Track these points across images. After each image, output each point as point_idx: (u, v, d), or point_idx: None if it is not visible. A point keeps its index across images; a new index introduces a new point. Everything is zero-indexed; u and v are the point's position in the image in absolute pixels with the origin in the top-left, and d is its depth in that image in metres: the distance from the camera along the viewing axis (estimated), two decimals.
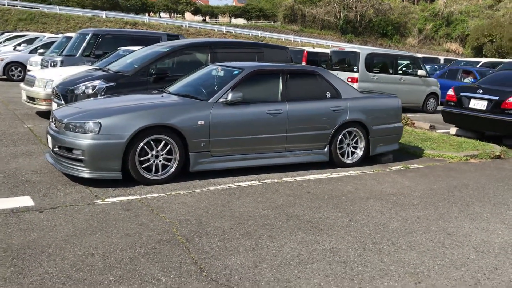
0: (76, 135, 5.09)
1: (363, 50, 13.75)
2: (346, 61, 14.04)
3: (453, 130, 10.37)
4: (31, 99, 9.13)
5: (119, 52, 10.20)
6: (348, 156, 6.82)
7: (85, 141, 5.04)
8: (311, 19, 69.19)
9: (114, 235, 3.91)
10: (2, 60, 17.00)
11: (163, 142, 5.36)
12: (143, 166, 5.29)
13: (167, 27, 48.64)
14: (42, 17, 42.08)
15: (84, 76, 7.79)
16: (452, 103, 9.98)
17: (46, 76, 8.98)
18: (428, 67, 22.99)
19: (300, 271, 3.49)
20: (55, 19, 42.13)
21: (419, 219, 4.79)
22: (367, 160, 7.05)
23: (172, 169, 5.46)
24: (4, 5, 42.78)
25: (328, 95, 6.62)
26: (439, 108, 13.06)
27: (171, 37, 12.84)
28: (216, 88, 6.04)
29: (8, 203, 4.51)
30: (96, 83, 7.39)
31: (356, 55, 13.57)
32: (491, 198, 5.68)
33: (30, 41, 20.33)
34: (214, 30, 53.52)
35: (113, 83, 7.42)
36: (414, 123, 10.97)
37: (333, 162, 6.68)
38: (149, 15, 63.68)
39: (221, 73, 6.38)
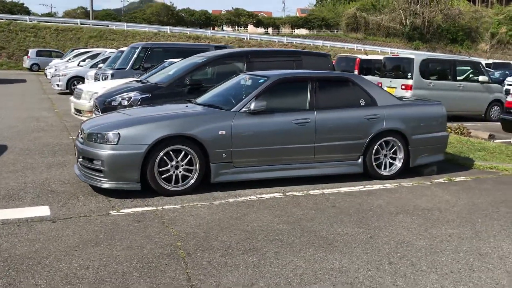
0: (97, 145, 5.13)
1: (417, 55, 13.10)
2: (400, 68, 13.45)
3: None
4: (78, 111, 9.46)
5: (165, 65, 10.34)
6: (385, 168, 6.40)
7: (104, 151, 5.06)
8: (375, 26, 67.69)
9: (116, 247, 3.83)
10: (65, 75, 17.93)
11: (183, 152, 5.27)
12: (163, 176, 5.22)
13: (228, 39, 49.46)
14: (110, 34, 44.23)
15: (122, 88, 7.94)
16: (511, 110, 9.20)
17: (92, 89, 9.28)
18: (498, 72, 21.61)
19: None
20: (122, 35, 44.12)
21: (451, 237, 4.35)
22: (407, 172, 6.59)
23: (192, 180, 5.35)
24: (77, 24, 45.47)
25: (362, 102, 6.27)
26: None
27: (218, 48, 12.89)
28: (242, 98, 5.90)
29: (25, 213, 4.59)
30: (132, 94, 7.50)
31: (410, 61, 12.96)
32: None
33: (94, 57, 21.35)
34: (275, 41, 53.78)
35: (148, 95, 7.49)
36: (470, 132, 10.23)
37: (368, 174, 6.30)
38: (213, 29, 65.29)
39: (249, 82, 6.23)
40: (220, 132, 5.40)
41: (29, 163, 6.65)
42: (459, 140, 9.36)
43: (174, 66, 8.57)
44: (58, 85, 17.90)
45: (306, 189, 5.74)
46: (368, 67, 15.21)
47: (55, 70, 21.01)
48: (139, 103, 7.39)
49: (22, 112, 12.26)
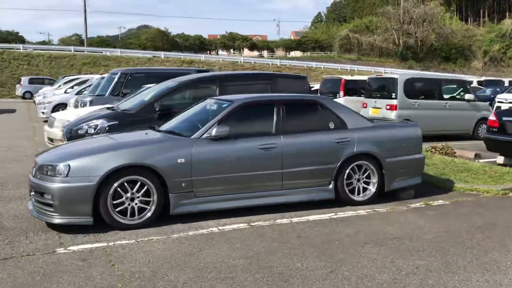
0: (47, 178, 4.86)
1: (401, 75, 12.95)
2: (384, 88, 13.28)
3: (500, 159, 9.25)
4: (51, 140, 9.21)
5: (142, 90, 10.15)
6: (359, 193, 6.12)
7: (54, 184, 4.79)
8: (368, 47, 68.15)
9: None
10: (50, 102, 17.76)
11: (139, 183, 5.00)
12: (117, 209, 4.94)
13: (222, 63, 49.66)
14: (104, 60, 44.36)
15: (90, 116, 7.71)
16: (494, 129, 8.96)
17: (64, 117, 9.06)
18: (489, 90, 21.48)
19: None
20: (116, 61, 44.22)
21: (418, 269, 4.04)
22: (383, 196, 6.31)
23: (150, 213, 5.06)
24: (71, 51, 45.64)
25: (332, 125, 6.03)
26: None
27: (200, 72, 12.73)
28: (205, 123, 5.65)
29: None
30: (99, 122, 7.26)
31: (394, 81, 12.78)
32: None
33: (82, 83, 21.19)
34: (269, 64, 53.95)
35: (115, 122, 7.25)
36: (455, 152, 9.97)
37: (341, 200, 6.02)
38: (209, 53, 65.64)
39: (214, 107, 6.00)
40: (179, 160, 5.14)
41: None
42: (443, 161, 9.10)
43: (147, 92, 8.36)
44: (43, 112, 17.70)
45: (273, 218, 5.45)
46: (353, 87, 15.04)
47: (43, 97, 20.88)
48: (106, 130, 7.14)
49: (1, 141, 12.01)
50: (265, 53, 72.29)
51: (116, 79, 11.80)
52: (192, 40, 64.42)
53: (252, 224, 5.25)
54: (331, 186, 5.94)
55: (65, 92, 19.68)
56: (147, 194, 5.07)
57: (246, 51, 73.61)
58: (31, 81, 35.48)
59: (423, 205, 6.18)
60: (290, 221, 5.40)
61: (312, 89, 17.97)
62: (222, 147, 5.37)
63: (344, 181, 5.99)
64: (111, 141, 5.46)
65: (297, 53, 71.48)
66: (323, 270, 4.01)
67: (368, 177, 6.16)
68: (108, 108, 8.22)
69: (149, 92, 8.10)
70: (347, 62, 61.10)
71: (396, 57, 67.16)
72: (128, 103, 8.06)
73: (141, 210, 5.06)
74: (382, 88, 13.39)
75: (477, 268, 4.09)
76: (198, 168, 5.22)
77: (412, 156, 6.44)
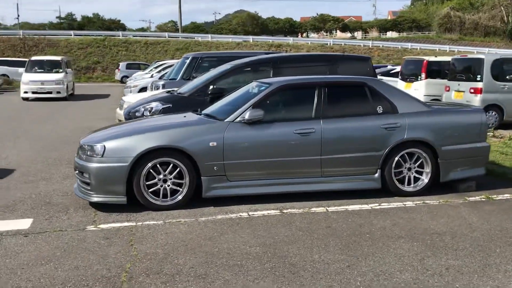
0: (86, 158, 5.07)
1: (488, 55, 11.81)
2: (469, 70, 12.20)
3: None
4: (120, 121, 9.65)
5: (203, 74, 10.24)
6: (410, 183, 5.67)
7: (91, 164, 4.98)
8: (471, 26, 63.32)
9: (63, 267, 3.67)
10: (136, 86, 18.64)
11: (171, 165, 5.04)
12: (150, 190, 5.02)
13: (311, 46, 48.96)
14: (196, 45, 45.70)
15: (148, 99, 7.93)
16: None
17: (130, 100, 9.42)
18: None
19: None
20: (207, 47, 45.36)
21: (447, 270, 3.64)
22: (441, 188, 5.80)
23: (182, 195, 5.09)
24: (165, 37, 47.68)
25: (380, 110, 5.61)
26: None
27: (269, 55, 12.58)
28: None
29: (7, 225, 4.61)
30: (153, 105, 7.45)
31: (480, 61, 11.69)
32: None
33: (169, 68, 22.00)
34: (360, 45, 52.21)
35: (169, 105, 7.39)
36: None
37: (389, 190, 5.62)
38: (301, 36, 65.14)
39: (255, 90, 5.85)
40: (210, 144, 5.09)
41: (51, 172, 6.82)
42: None
43: (206, 75, 8.42)
44: None
45: (309, 206, 5.23)
46: (437, 69, 13.97)
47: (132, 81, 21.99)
48: (160, 113, 7.31)
49: (84, 122, 12.84)
50: (359, 34, 70.08)
51: (187, 63, 12.04)
52: (282, 23, 64.18)
53: (285, 211, 5.07)
54: (377, 175, 5.56)
55: (151, 76, 20.57)
56: (180, 176, 5.10)
57: (339, 33, 71.90)
58: (128, 66, 37.59)
59: (484, 199, 5.58)
60: (326, 210, 5.14)
61: (394, 71, 17.12)
62: (256, 131, 5.23)
63: (393, 170, 5.57)
64: (149, 123, 5.56)
65: (394, 34, 68.41)
66: (340, 264, 3.76)
67: (421, 166, 5.68)
68: (167, 92, 8.41)
69: (206, 75, 8.14)
70: (446, 43, 57.24)
71: (504, 36, 61.60)
72: (186, 87, 8.17)
73: (174, 192, 5.11)
74: (467, 70, 12.31)
75: None
76: (231, 152, 5.14)
77: (473, 145, 5.82)
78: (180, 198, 5.08)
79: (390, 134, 5.51)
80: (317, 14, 67.92)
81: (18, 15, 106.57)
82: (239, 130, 5.20)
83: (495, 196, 5.68)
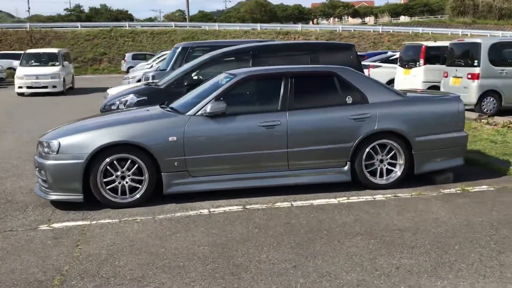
0: (43, 155, 4.96)
1: (486, 39, 11.44)
2: (466, 55, 11.83)
3: None
4: None
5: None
6: (382, 175, 5.46)
7: (47, 161, 4.87)
8: (485, 8, 61.95)
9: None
10: (134, 77, 18.53)
11: (129, 161, 4.90)
12: (108, 187, 4.90)
13: (319, 33, 48.35)
14: (202, 34, 45.44)
15: (124, 91, 7.79)
16: None
17: (113, 92, 9.30)
18: None
19: None
20: (213, 35, 45.08)
21: (397, 270, 3.46)
22: (418, 180, 5.59)
23: (141, 192, 4.96)
24: (172, 27, 47.51)
25: (349, 100, 5.40)
26: None
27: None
28: None
29: None
30: (129, 98, 7.31)
31: (477, 46, 11.32)
32: None
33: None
34: (370, 31, 51.39)
35: (144, 97, 7.24)
36: None
37: (360, 183, 5.43)
38: (312, 23, 64.40)
39: (223, 81, 5.67)
40: (170, 139, 4.93)
41: (24, 169, 6.74)
42: None
43: (185, 66, 8.26)
44: None
45: (275, 201, 5.06)
46: (436, 55, 13.58)
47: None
48: (135, 106, 7.17)
49: (76, 116, 12.75)
50: (371, 19, 68.98)
51: (177, 53, 11.86)
52: (291, 10, 63.47)
53: (248, 207, 4.91)
54: (346, 167, 5.36)
55: (151, 67, 20.46)
56: (140, 173, 4.96)
57: (350, 19, 70.91)
58: (134, 57, 37.51)
59: (459, 191, 5.35)
60: (291, 204, 4.97)
61: (393, 57, 16.72)
62: (219, 124, 5.06)
63: (363, 162, 5.37)
64: (110, 118, 5.43)
65: (406, 19, 67.22)
66: (286, 264, 3.60)
67: (394, 158, 5.46)
68: (145, 84, 8.27)
69: (184, 66, 7.98)
70: (459, 26, 56.01)
71: None
72: (165, 79, 8.01)
73: (134, 189, 4.98)
74: (465, 55, 11.94)
75: (474, 273, 3.39)
76: (192, 146, 4.98)
77: (450, 135, 5.58)
78: (139, 195, 4.95)
79: (359, 125, 5.30)
80: (327, 0, 66.96)
81: (29, 8, 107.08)
82: (200, 124, 5.04)
83: (471, 188, 5.45)
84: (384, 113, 5.36)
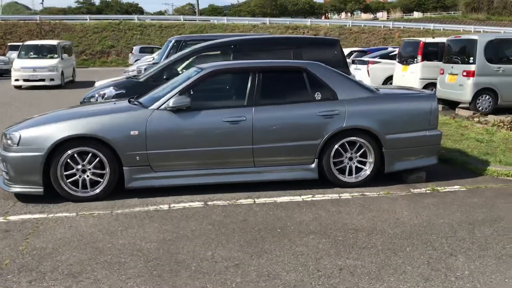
0: (6, 147, 4.94)
1: (482, 36, 11.18)
2: (462, 52, 11.59)
3: None
4: None
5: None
6: (351, 173, 5.36)
7: (9, 153, 4.84)
8: (500, 5, 60.94)
9: None
10: (133, 70, 18.53)
11: (90, 154, 4.86)
12: (69, 180, 4.87)
13: (329, 27, 48.01)
14: (211, 28, 45.35)
15: (105, 84, 7.76)
16: None
17: (99, 85, 9.27)
18: None
19: None
20: (221, 29, 44.96)
21: (340, 271, 3.37)
22: (392, 178, 5.49)
23: (102, 186, 4.92)
24: (180, 20, 47.52)
25: (318, 96, 5.29)
26: None
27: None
28: None
29: None
30: (107, 90, 7.27)
31: (473, 43, 11.07)
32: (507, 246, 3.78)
33: None
34: (380, 26, 50.89)
35: (122, 90, 7.19)
36: None
37: (329, 181, 5.33)
38: (325, 17, 63.90)
39: (191, 75, 5.59)
40: (132, 133, 4.88)
41: None
42: (506, 138, 7.72)
43: (165, 60, 8.20)
44: None
45: (238, 198, 4.99)
46: (435, 51, 13.35)
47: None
48: (113, 98, 7.12)
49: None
50: (384, 15, 68.19)
51: (169, 47, 11.80)
52: (302, 4, 63.03)
53: (209, 203, 4.85)
54: (314, 165, 5.26)
55: (152, 59, 20.44)
56: (103, 167, 4.92)
57: (362, 15, 70.22)
58: (141, 50, 37.53)
59: (429, 191, 5.23)
60: (253, 202, 4.90)
61: (393, 53, 16.48)
62: (183, 119, 4.99)
63: (331, 160, 5.27)
64: (75, 110, 5.39)
65: (420, 15, 66.38)
66: (229, 262, 3.53)
67: (364, 155, 5.36)
68: (128, 77, 8.22)
69: (165, 60, 7.92)
70: (472, 23, 55.23)
71: None
72: (146, 72, 7.96)
73: (96, 183, 4.94)
74: (461, 52, 11.69)
75: (417, 276, 3.30)
76: (154, 141, 4.92)
77: (422, 133, 5.45)
78: (100, 189, 4.91)
79: (327, 122, 5.19)
80: None
81: (43, 0, 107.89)
82: (163, 118, 4.98)
83: (442, 188, 5.33)
84: (354, 110, 5.24)
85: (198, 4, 55.79)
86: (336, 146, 5.25)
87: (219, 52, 7.57)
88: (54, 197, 4.91)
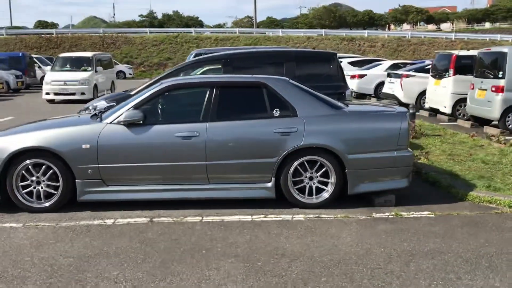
0: None
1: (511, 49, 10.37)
2: (494, 65, 10.83)
3: None
4: None
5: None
6: (311, 194, 5.11)
7: None
8: None
9: None
10: None
11: (44, 166, 4.97)
12: (25, 191, 5.00)
13: (387, 39, 46.85)
14: (265, 40, 45.67)
15: (103, 97, 7.97)
16: None
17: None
18: None
19: None
20: (276, 41, 45.17)
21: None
22: (359, 200, 5.19)
23: (56, 198, 5.01)
24: (235, 33, 48.28)
25: (277, 113, 5.11)
26: None
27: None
28: None
29: None
30: (99, 103, 7.45)
31: (503, 56, 10.33)
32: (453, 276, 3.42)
33: None
34: (442, 38, 49.00)
35: (114, 103, 7.34)
36: None
37: (287, 201, 5.12)
38: (389, 29, 62.63)
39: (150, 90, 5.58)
40: (83, 146, 4.94)
41: None
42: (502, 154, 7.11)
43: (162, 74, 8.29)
44: None
45: (186, 215, 4.90)
46: (468, 64, 12.55)
47: None
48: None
49: None
50: (449, 26, 65.67)
51: (191, 59, 11.99)
52: (361, 15, 62.00)
53: (155, 219, 4.80)
54: (270, 183, 5.08)
55: None
56: (58, 179, 5.02)
57: (429, 26, 68.00)
58: None
59: (391, 216, 4.88)
60: (201, 219, 4.78)
61: (429, 67, 15.71)
62: (134, 133, 4.99)
63: (289, 179, 5.06)
64: (38, 123, 5.55)
65: (487, 25, 63.30)
66: (127, 283, 3.45)
67: (326, 175, 5.09)
68: (124, 91, 8.40)
69: (162, 74, 8.01)
70: None
71: None
72: (141, 86, 8.08)
73: (51, 195, 5.04)
74: (491, 65, 10.93)
75: None
76: (106, 155, 4.96)
77: (390, 153, 5.11)
78: (54, 201, 5.00)
79: (285, 139, 4.99)
80: (399, 5, 64.69)
81: (114, 14, 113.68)
82: (116, 132, 5.00)
83: (407, 213, 4.94)
84: (313, 128, 5.01)
85: (255, 16, 56.43)
86: (295, 165, 5.03)
87: (213, 66, 7.54)
88: (14, 207, 5.06)
